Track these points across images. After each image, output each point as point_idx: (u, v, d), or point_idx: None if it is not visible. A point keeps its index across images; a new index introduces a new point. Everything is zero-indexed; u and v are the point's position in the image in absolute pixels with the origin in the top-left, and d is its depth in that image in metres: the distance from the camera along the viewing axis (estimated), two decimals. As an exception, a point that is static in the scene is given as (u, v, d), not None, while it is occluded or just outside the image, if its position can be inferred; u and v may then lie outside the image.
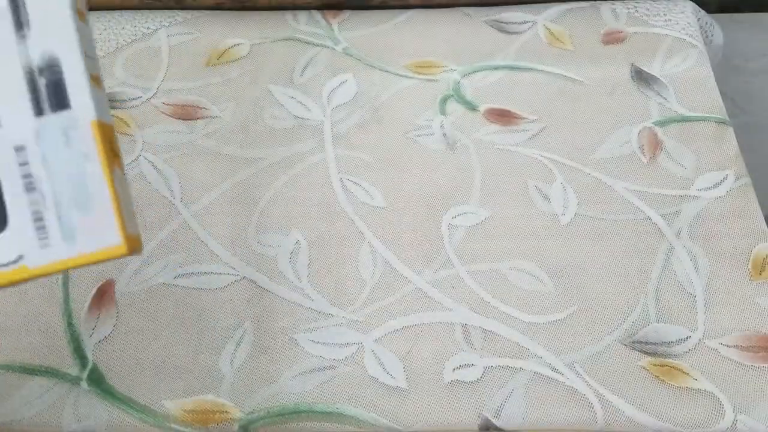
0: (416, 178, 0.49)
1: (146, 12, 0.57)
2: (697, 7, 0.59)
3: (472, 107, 0.52)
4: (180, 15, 0.57)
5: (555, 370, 0.41)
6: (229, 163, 0.49)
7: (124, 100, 0.52)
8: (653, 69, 0.54)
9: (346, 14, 0.58)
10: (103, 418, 0.39)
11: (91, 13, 0.57)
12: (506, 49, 0.56)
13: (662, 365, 0.41)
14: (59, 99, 0.25)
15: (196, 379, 0.41)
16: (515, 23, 0.58)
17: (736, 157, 0.50)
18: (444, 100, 0.53)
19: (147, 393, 0.40)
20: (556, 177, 0.49)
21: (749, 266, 0.45)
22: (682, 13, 0.58)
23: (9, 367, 0.41)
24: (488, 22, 0.58)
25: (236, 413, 0.40)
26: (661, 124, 0.51)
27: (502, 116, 0.52)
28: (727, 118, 0.52)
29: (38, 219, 0.25)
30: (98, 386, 0.40)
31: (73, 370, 0.41)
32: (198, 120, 0.51)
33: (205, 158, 0.49)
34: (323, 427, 0.39)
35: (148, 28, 0.56)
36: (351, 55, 0.55)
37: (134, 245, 0.26)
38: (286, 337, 0.42)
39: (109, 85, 0.53)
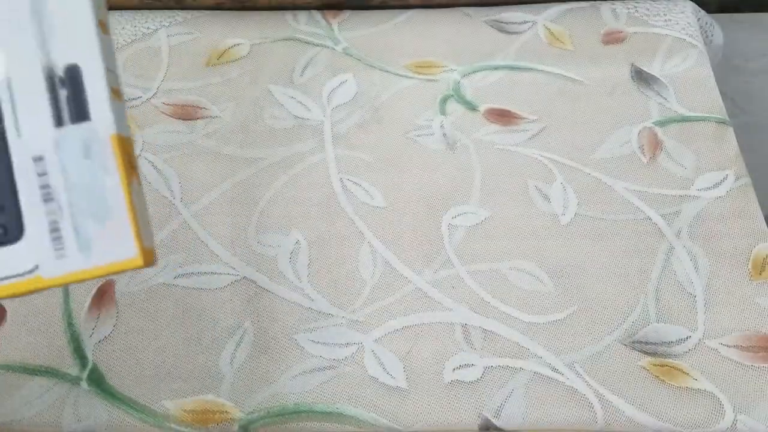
0: (416, 178, 0.49)
1: (146, 12, 0.57)
2: (697, 7, 0.59)
3: (472, 107, 0.52)
4: (180, 15, 0.57)
5: (555, 370, 0.41)
6: (229, 163, 0.49)
7: (124, 100, 0.52)
8: (653, 69, 0.54)
9: (346, 14, 0.58)
10: (103, 418, 0.39)
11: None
12: (506, 49, 0.56)
13: (662, 365, 0.41)
14: (80, 111, 0.25)
15: (196, 379, 0.41)
16: (515, 23, 0.58)
17: (736, 157, 0.50)
18: (444, 100, 0.53)
19: (147, 393, 0.40)
20: (556, 177, 0.49)
21: (749, 266, 0.45)
22: (682, 13, 0.58)
23: (9, 367, 0.41)
24: (488, 22, 0.58)
25: (236, 413, 0.40)
26: (661, 124, 0.51)
27: (502, 116, 0.52)
28: (727, 118, 0.52)
29: (55, 229, 0.25)
30: (98, 386, 0.40)
31: (73, 370, 0.41)
32: (198, 120, 0.51)
33: (205, 158, 0.49)
34: (323, 427, 0.39)
35: (148, 28, 0.56)
36: (351, 55, 0.55)
37: (149, 258, 0.26)
38: (286, 337, 0.42)
39: (109, 85, 0.53)
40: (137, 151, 0.49)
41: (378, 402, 0.40)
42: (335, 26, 0.57)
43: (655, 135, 0.51)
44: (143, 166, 0.49)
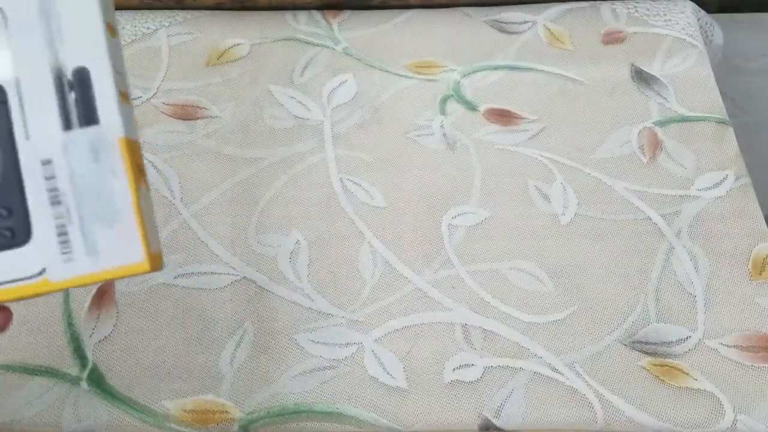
0: (416, 178, 0.49)
1: (146, 12, 0.57)
2: (697, 7, 0.59)
3: (472, 107, 0.52)
4: (180, 15, 0.57)
5: (555, 370, 0.41)
6: (229, 163, 0.49)
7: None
8: (653, 69, 0.54)
9: (346, 14, 0.58)
10: (103, 418, 0.39)
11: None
12: (506, 49, 0.56)
13: (662, 365, 0.41)
14: (88, 114, 0.25)
15: (196, 379, 0.41)
16: (515, 23, 0.58)
17: (736, 157, 0.50)
18: (444, 100, 0.53)
19: (147, 393, 0.40)
20: (556, 177, 0.49)
21: (749, 266, 0.45)
22: (682, 13, 0.58)
23: (9, 367, 0.41)
24: (488, 22, 0.58)
25: (236, 413, 0.40)
26: (661, 124, 0.51)
27: (502, 116, 0.52)
28: (727, 118, 0.52)
29: (62, 233, 0.25)
30: (98, 386, 0.40)
31: (73, 370, 0.41)
32: (198, 120, 0.51)
33: (205, 158, 0.49)
34: (323, 427, 0.39)
35: (148, 28, 0.56)
36: (351, 55, 0.55)
37: (156, 263, 0.26)
38: (286, 337, 0.42)
39: (109, 85, 0.53)
40: (137, 151, 0.49)
41: (378, 402, 0.40)
42: (335, 26, 0.57)
43: (655, 135, 0.51)
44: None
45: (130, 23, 0.56)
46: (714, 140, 0.51)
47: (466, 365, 0.41)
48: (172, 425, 0.39)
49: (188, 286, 0.44)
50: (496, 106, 0.52)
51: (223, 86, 0.53)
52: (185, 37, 0.56)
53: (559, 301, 0.44)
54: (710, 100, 0.53)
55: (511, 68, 0.55)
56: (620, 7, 0.59)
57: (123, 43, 0.55)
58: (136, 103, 0.52)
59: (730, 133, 0.51)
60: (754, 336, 0.42)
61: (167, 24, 0.57)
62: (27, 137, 0.25)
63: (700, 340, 0.42)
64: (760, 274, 0.44)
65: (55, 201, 0.25)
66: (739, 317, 0.43)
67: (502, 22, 0.58)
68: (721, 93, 0.53)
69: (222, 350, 0.42)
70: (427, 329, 0.42)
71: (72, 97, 0.25)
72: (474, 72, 0.54)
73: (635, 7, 0.59)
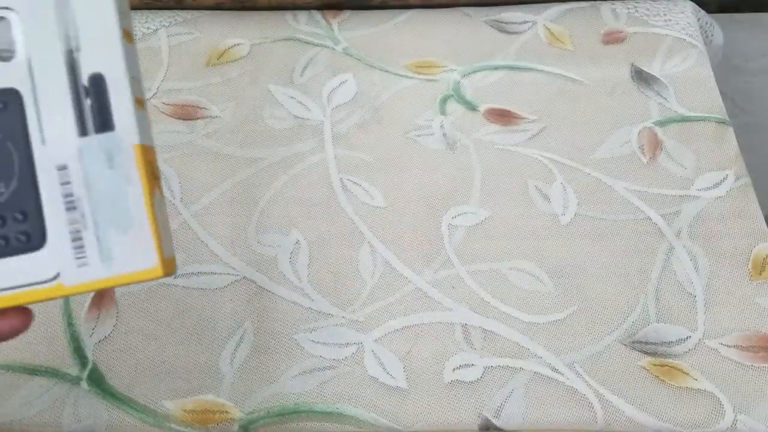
0: (416, 178, 0.49)
1: (146, 12, 0.57)
2: (697, 7, 0.59)
3: (472, 107, 0.52)
4: (180, 15, 0.57)
5: (555, 370, 0.41)
6: (229, 163, 0.49)
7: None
8: (653, 69, 0.54)
9: (346, 14, 0.58)
10: (103, 418, 0.39)
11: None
12: (506, 49, 0.56)
13: (662, 365, 0.41)
14: (104, 120, 0.25)
15: (196, 379, 0.41)
16: (515, 23, 0.58)
17: (736, 157, 0.50)
18: (444, 100, 0.53)
19: (147, 393, 0.40)
20: (556, 177, 0.49)
21: (749, 266, 0.45)
22: (682, 13, 0.58)
23: (9, 367, 0.41)
24: (488, 22, 0.58)
25: (236, 413, 0.40)
26: (661, 124, 0.51)
27: (502, 116, 0.52)
28: (727, 118, 0.52)
29: (77, 238, 0.25)
30: (98, 386, 0.40)
31: (73, 370, 0.41)
32: (198, 120, 0.51)
33: (205, 158, 0.49)
34: (323, 427, 0.39)
35: (148, 28, 0.56)
36: (351, 55, 0.55)
37: (170, 268, 0.26)
38: (286, 337, 0.42)
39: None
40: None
41: (378, 402, 0.40)
42: (335, 26, 0.57)
43: (655, 135, 0.51)
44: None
45: (130, 23, 0.56)
46: (714, 140, 0.51)
47: (466, 365, 0.41)
48: (172, 425, 0.39)
49: (188, 286, 0.44)
50: (496, 106, 0.52)
51: (223, 86, 0.53)
52: (185, 37, 0.56)
53: (559, 301, 0.44)
54: (710, 100, 0.53)
55: (511, 68, 0.55)
56: (620, 7, 0.59)
57: (123, 43, 0.55)
58: (136, 103, 0.52)
59: (730, 133, 0.51)
60: (754, 336, 0.42)
61: (167, 24, 0.57)
62: (43, 142, 0.25)
63: (700, 340, 0.42)
64: (760, 274, 0.44)
65: (70, 206, 0.25)
66: (739, 317, 0.43)
67: (502, 22, 0.58)
68: (721, 93, 0.53)
69: (222, 350, 0.42)
70: (427, 329, 0.42)
71: (88, 103, 0.25)
72: (474, 72, 0.54)
73: (635, 7, 0.59)
